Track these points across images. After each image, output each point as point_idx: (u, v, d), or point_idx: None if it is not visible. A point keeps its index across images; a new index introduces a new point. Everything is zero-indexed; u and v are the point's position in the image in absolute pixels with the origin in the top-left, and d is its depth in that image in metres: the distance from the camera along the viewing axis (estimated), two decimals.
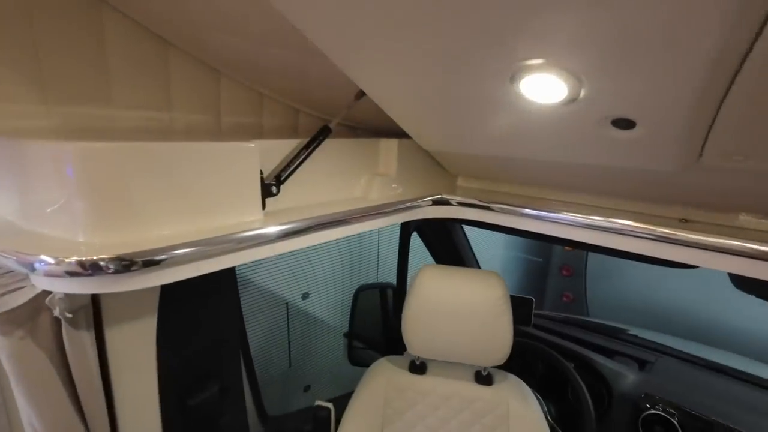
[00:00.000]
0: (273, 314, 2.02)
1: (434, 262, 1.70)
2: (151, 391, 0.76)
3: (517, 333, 1.72)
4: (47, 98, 0.73)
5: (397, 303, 1.58)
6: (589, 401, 1.23)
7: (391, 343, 1.64)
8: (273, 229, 0.65)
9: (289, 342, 2.14)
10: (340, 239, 0.81)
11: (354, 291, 1.75)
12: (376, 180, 0.90)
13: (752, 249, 0.62)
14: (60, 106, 0.74)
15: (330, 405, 1.08)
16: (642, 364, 1.55)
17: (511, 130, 0.63)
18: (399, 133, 0.90)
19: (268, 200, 0.70)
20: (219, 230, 0.60)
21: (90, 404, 0.66)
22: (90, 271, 0.49)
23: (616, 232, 0.78)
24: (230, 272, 0.96)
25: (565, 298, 3.54)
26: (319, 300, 2.20)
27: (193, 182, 0.59)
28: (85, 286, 0.51)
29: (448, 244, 1.62)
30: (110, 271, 0.49)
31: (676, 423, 1.18)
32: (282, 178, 0.69)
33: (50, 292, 0.58)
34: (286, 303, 2.09)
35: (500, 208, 0.94)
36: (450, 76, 0.55)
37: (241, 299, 1.91)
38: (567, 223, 0.85)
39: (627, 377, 1.37)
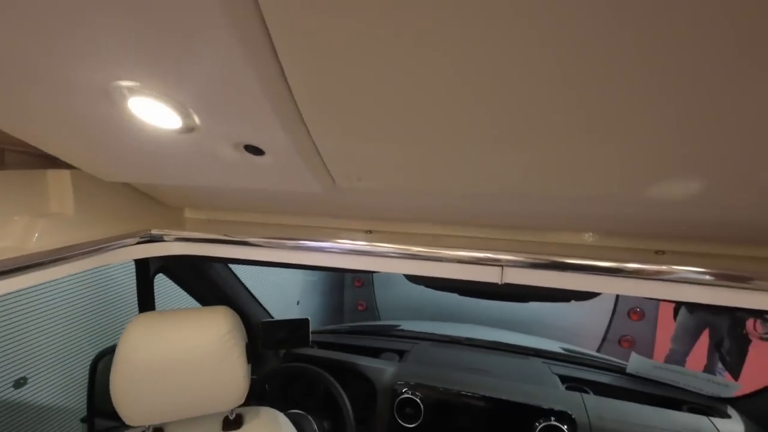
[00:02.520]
0: None
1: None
2: None
3: (291, 356, 1.73)
4: None
5: None
6: (347, 403, 1.32)
7: None
8: None
9: None
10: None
11: (92, 360, 1.39)
12: (38, 223, 0.70)
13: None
14: None
15: None
16: (401, 355, 1.79)
17: (156, 156, 0.58)
18: None
19: None
20: None
21: None
22: None
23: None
24: None
25: (360, 307, 3.84)
26: (46, 383, 1.64)
27: None
28: None
29: (206, 285, 1.47)
30: None
31: (418, 400, 1.39)
32: None
33: None
34: None
35: (225, 239, 0.90)
36: (56, 86, 0.45)
37: None
38: (283, 247, 0.89)
39: (386, 371, 1.54)
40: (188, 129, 0.47)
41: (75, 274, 1.54)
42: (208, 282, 1.46)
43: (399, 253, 0.78)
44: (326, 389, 1.37)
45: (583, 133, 0.41)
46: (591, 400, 1.42)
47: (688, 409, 1.45)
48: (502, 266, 0.68)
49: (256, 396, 1.58)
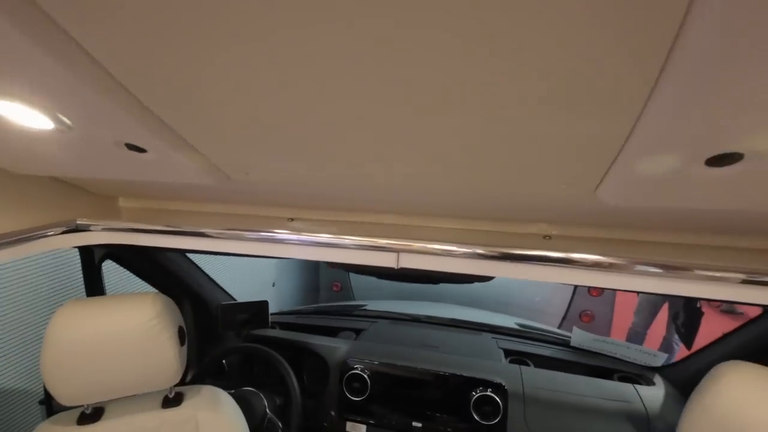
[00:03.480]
0: None
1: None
2: None
3: (250, 337, 1.79)
4: None
5: None
6: (293, 379, 1.39)
7: None
8: None
9: None
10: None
11: None
12: None
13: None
14: None
15: None
16: (359, 333, 1.86)
17: (50, 152, 0.60)
18: None
19: None
20: None
21: None
22: None
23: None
24: None
25: (335, 288, 3.92)
26: (6, 367, 1.67)
27: None
28: None
29: (158, 271, 1.50)
30: None
31: (366, 376, 1.46)
32: None
33: None
34: None
35: (150, 229, 0.92)
36: None
37: None
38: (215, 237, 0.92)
39: (339, 349, 1.61)
40: (65, 129, 0.49)
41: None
42: (159, 268, 1.49)
43: (313, 242, 0.82)
44: (275, 367, 1.43)
45: (455, 127, 0.43)
46: (529, 372, 1.51)
47: (618, 378, 1.56)
48: (398, 252, 0.73)
49: (214, 373, 1.65)
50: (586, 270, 0.72)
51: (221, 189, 0.79)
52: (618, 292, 3.37)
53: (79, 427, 0.94)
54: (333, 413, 1.51)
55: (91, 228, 0.91)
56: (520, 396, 1.40)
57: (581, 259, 0.71)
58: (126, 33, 0.34)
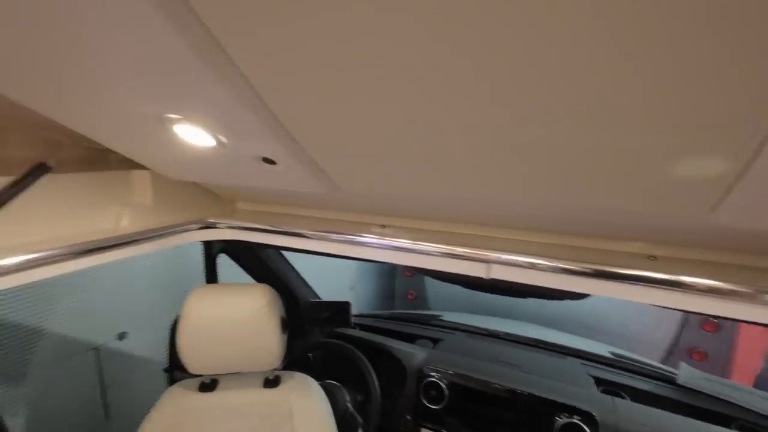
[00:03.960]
0: (77, 365, 1.78)
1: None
2: None
3: (333, 335, 1.91)
4: None
5: None
6: (375, 380, 1.45)
7: None
8: None
9: (103, 390, 1.91)
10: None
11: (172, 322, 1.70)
12: (126, 211, 0.92)
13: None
14: None
15: None
16: (436, 342, 1.88)
17: (204, 163, 0.74)
18: None
19: None
20: None
21: None
22: None
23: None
24: None
25: (410, 296, 3.96)
26: (140, 338, 2.02)
27: None
28: None
29: (259, 266, 1.69)
30: None
31: (443, 385, 1.47)
32: None
33: None
34: (96, 348, 1.87)
35: (262, 228, 1.07)
36: (137, 118, 0.62)
37: (31, 353, 1.65)
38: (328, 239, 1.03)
39: (417, 355, 1.65)
40: (221, 146, 0.61)
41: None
42: (261, 264, 1.68)
43: (405, 248, 0.88)
44: (357, 365, 1.51)
45: (560, 143, 0.45)
46: (624, 405, 1.38)
47: (737, 427, 1.35)
48: (489, 263, 0.74)
49: (302, 365, 1.79)
50: (701, 295, 0.66)
51: (328, 196, 0.88)
52: (740, 329, 2.88)
53: (200, 393, 1.11)
54: (409, 417, 1.55)
55: (218, 225, 1.08)
56: (612, 429, 1.28)
57: (695, 283, 0.65)
58: (275, 61, 0.42)
